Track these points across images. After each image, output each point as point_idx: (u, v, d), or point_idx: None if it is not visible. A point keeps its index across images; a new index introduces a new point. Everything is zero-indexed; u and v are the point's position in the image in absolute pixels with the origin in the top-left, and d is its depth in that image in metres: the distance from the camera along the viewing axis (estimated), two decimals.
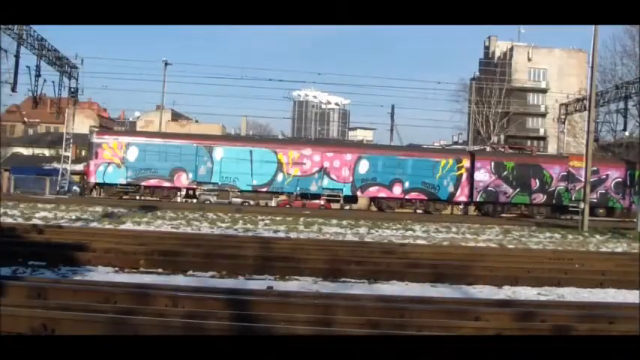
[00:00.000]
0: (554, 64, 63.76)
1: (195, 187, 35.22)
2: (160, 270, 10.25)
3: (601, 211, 36.27)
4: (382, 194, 35.63)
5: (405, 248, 14.30)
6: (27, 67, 32.22)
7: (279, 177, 34.72)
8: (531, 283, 10.37)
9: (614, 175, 36.84)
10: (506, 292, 9.76)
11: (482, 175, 35.95)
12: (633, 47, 48.03)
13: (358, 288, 9.46)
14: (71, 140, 39.02)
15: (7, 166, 48.82)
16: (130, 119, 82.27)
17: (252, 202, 37.19)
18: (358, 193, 35.90)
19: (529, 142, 59.94)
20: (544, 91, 63.09)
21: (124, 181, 34.19)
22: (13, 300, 6.41)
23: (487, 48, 70.53)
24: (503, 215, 35.41)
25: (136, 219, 20.15)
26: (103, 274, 9.80)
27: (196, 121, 66.92)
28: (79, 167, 42.22)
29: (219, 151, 34.67)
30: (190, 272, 10.22)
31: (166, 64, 48.49)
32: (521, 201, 36.31)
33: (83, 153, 44.02)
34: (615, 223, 29.24)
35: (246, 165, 34.50)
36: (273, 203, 38.84)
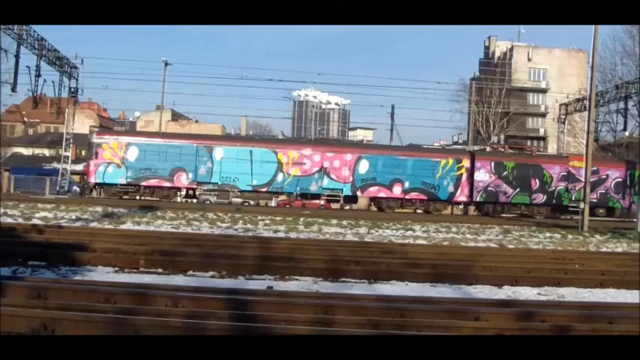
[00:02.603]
0: (554, 64, 63.77)
1: (195, 187, 35.23)
2: (160, 270, 10.27)
3: (601, 211, 36.25)
4: (382, 194, 35.58)
5: (405, 248, 14.29)
6: (27, 67, 32.27)
7: (279, 177, 34.68)
8: (531, 283, 10.38)
9: (614, 175, 36.80)
10: (507, 292, 9.77)
11: (483, 175, 35.92)
12: (633, 47, 48.03)
13: (358, 288, 9.47)
14: (71, 140, 38.97)
15: (7, 166, 48.80)
16: (130, 119, 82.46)
17: (252, 202, 37.23)
18: (358, 193, 35.85)
19: (529, 142, 59.91)
20: (544, 91, 63.10)
21: (124, 181, 34.11)
22: (13, 300, 6.41)
23: (487, 48, 70.52)
24: (504, 215, 35.38)
25: (136, 219, 20.14)
26: (103, 274, 9.81)
27: (196, 121, 66.96)
28: (79, 167, 42.21)
29: (219, 151, 34.63)
30: (190, 272, 10.23)
31: (166, 64, 48.49)
32: (521, 201, 36.26)
33: (83, 153, 44.01)
34: (615, 223, 29.23)
35: (246, 165, 34.47)
36: (273, 203, 38.87)
